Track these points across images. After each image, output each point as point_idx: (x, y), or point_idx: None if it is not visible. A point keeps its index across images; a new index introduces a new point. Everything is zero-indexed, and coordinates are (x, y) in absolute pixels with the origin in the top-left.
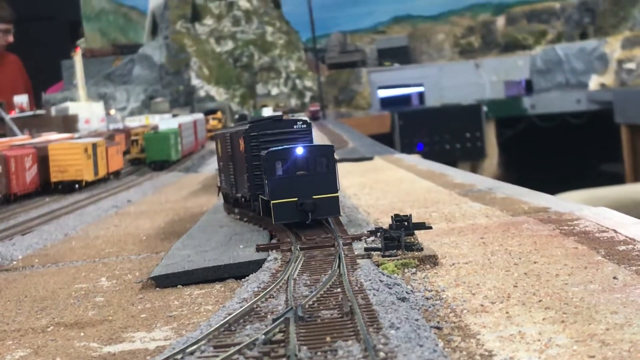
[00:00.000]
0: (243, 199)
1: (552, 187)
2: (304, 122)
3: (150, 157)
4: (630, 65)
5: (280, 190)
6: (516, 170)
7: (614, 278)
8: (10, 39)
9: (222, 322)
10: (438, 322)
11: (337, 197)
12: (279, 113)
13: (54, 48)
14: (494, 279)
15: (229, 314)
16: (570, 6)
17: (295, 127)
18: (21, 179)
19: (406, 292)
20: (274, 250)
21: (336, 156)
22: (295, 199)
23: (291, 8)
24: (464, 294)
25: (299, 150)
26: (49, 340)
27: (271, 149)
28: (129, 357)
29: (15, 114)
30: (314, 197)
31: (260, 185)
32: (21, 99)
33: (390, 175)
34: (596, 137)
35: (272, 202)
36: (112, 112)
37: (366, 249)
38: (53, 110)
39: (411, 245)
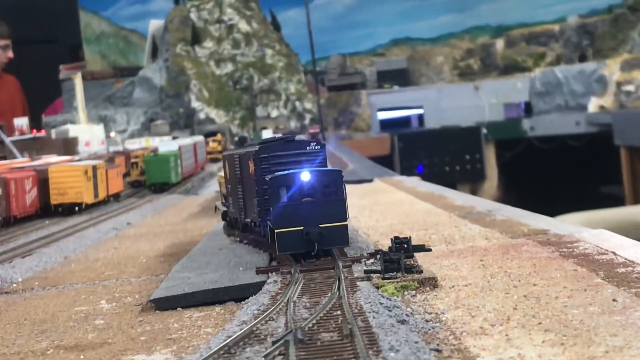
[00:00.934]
0: (253, 224)
1: (552, 209)
2: (318, 143)
3: (150, 180)
4: (630, 88)
5: (285, 218)
6: (516, 192)
7: (614, 300)
8: (10, 54)
9: (221, 345)
10: (438, 345)
11: (346, 225)
12: (290, 134)
13: (55, 71)
14: (493, 301)
15: (229, 337)
16: (569, 28)
17: (308, 148)
18: (21, 201)
19: (406, 315)
20: (274, 273)
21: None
22: (301, 227)
23: (291, 31)
24: (464, 316)
25: (305, 176)
26: None
27: (275, 174)
28: None
29: (15, 136)
30: (320, 225)
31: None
32: (21, 122)
33: (390, 197)
34: (595, 159)
35: (276, 231)
36: (112, 134)
37: (366, 272)
38: (53, 133)
39: (411, 267)
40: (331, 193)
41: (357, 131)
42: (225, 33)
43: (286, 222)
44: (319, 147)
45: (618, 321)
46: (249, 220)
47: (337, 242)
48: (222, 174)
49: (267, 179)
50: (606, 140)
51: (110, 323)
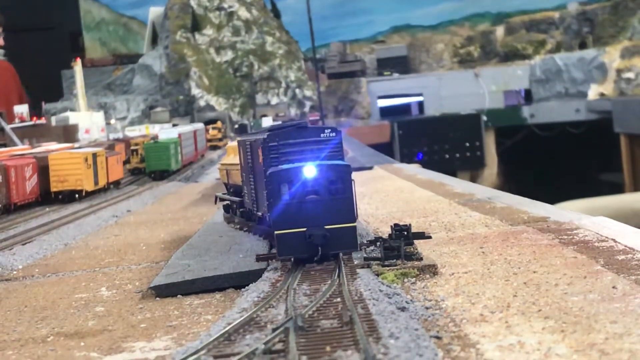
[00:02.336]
0: (265, 218)
1: (552, 196)
2: (333, 129)
3: (150, 167)
4: (630, 75)
5: (286, 218)
6: (515, 179)
7: (613, 287)
8: (1, 42)
9: (221, 332)
10: (437, 332)
11: (355, 227)
12: (302, 120)
13: (54, 58)
14: (493, 288)
15: (229, 324)
16: (569, 16)
17: (322, 135)
18: (21, 188)
19: (406, 302)
20: (274, 260)
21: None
22: (304, 229)
23: (291, 18)
24: (464, 303)
25: (309, 171)
26: (49, 350)
27: (275, 168)
28: None
29: (15, 123)
30: (326, 227)
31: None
32: (21, 109)
33: (390, 184)
34: (595, 146)
35: (275, 232)
36: (112, 121)
37: (366, 259)
38: (53, 120)
39: (411, 254)
40: (338, 190)
41: (357, 118)
42: (225, 20)
43: (287, 223)
44: (334, 134)
45: (618, 308)
46: (260, 213)
47: (344, 245)
48: (224, 161)
49: (267, 174)
50: (606, 127)
51: (110, 310)
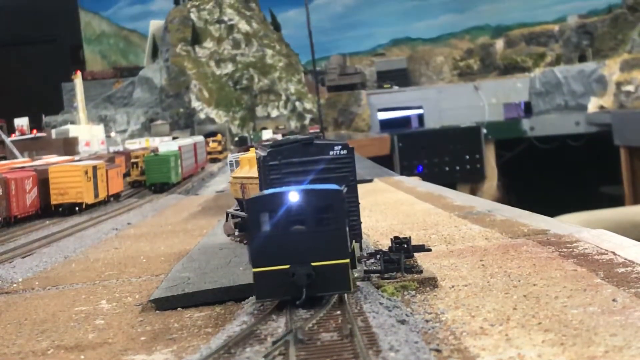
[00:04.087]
0: None
1: (551, 209)
2: (344, 146)
3: (150, 180)
4: (629, 88)
5: (266, 253)
6: (515, 192)
7: (613, 300)
8: None
9: (222, 345)
10: (437, 345)
11: (347, 265)
12: (309, 135)
13: (55, 71)
14: (493, 301)
15: (229, 337)
16: (569, 29)
17: (331, 153)
18: (21, 201)
19: (406, 315)
20: None
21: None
22: (287, 266)
23: (291, 31)
24: (464, 316)
25: (294, 196)
26: None
27: (257, 194)
28: None
29: (15, 136)
30: (312, 264)
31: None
32: (21, 122)
33: (390, 197)
34: (595, 159)
35: (253, 270)
36: (113, 134)
37: (366, 272)
38: (53, 133)
39: (410, 267)
40: (329, 220)
41: (357, 131)
42: (226, 33)
43: (267, 258)
44: (345, 151)
45: (618, 321)
46: None
47: (334, 286)
48: (237, 174)
49: (245, 201)
50: (606, 140)
51: (110, 323)
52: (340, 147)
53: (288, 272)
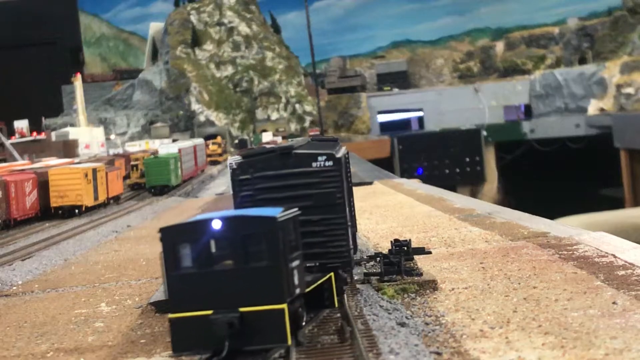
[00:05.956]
0: None
1: (552, 211)
2: (329, 156)
3: (150, 182)
4: (629, 90)
5: (185, 295)
6: (515, 194)
7: (614, 303)
8: None
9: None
10: (437, 348)
11: (283, 311)
12: (289, 143)
13: (55, 73)
14: (493, 304)
15: None
16: (569, 31)
17: (314, 165)
18: (21, 204)
19: (405, 317)
20: None
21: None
22: (209, 311)
23: (291, 33)
24: (464, 319)
25: (217, 225)
26: None
27: (173, 224)
28: None
29: (15, 138)
30: (240, 309)
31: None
32: (21, 124)
33: (390, 199)
34: (595, 161)
35: (169, 316)
36: (112, 137)
37: (366, 274)
38: (53, 136)
39: (410, 270)
40: (260, 255)
41: (357, 134)
42: (226, 35)
43: (187, 302)
44: (331, 162)
45: (618, 324)
46: None
47: (265, 338)
48: None
49: (159, 230)
50: (606, 142)
51: (110, 326)
52: (324, 157)
53: (212, 319)
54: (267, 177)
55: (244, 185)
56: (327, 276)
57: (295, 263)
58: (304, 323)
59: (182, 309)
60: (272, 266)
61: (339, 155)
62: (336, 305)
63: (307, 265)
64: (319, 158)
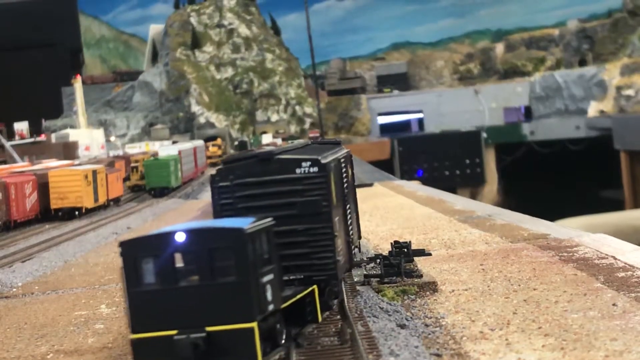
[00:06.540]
0: None
1: (552, 213)
2: (314, 162)
3: (150, 184)
4: (629, 92)
5: (148, 314)
6: (516, 196)
7: (614, 305)
8: None
9: None
10: (438, 349)
11: (253, 330)
12: (271, 148)
13: (55, 75)
14: (493, 305)
15: None
16: (569, 33)
17: (298, 171)
18: (21, 205)
19: (406, 319)
20: None
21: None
22: (174, 331)
23: (291, 35)
24: (464, 320)
25: (180, 237)
26: None
27: (132, 238)
28: None
29: (16, 140)
30: (207, 328)
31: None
32: (21, 126)
33: (390, 201)
34: (595, 163)
35: (131, 337)
36: (112, 138)
37: (366, 276)
38: (53, 137)
39: (411, 271)
40: (228, 270)
41: (357, 135)
42: (225, 37)
43: (150, 322)
44: (316, 169)
45: (618, 325)
46: None
47: (234, 359)
48: None
49: (119, 244)
50: (606, 144)
51: (110, 328)
52: (309, 163)
53: (176, 340)
54: (247, 184)
55: (223, 193)
56: (309, 290)
57: (268, 277)
58: (283, 340)
59: (144, 328)
60: (241, 282)
61: (325, 160)
62: (320, 320)
63: (290, 278)
64: (303, 164)
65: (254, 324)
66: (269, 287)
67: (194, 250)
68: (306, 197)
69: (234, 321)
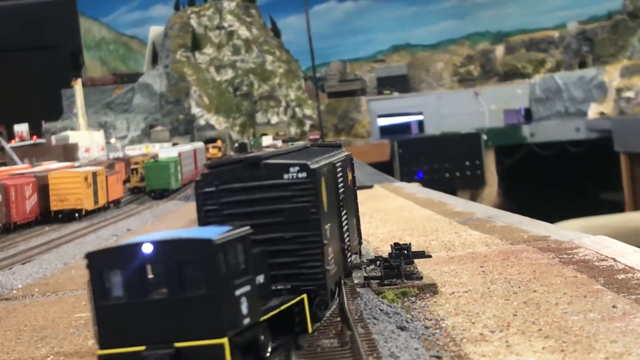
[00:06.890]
0: None
1: (552, 215)
2: (302, 167)
3: (150, 186)
4: (629, 94)
5: (115, 329)
6: (516, 198)
7: (614, 307)
8: None
9: None
10: (438, 352)
11: (223, 346)
12: (258, 153)
13: (55, 77)
14: (493, 307)
15: None
16: (569, 35)
17: (285, 177)
18: (21, 207)
19: (406, 321)
20: None
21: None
22: (142, 347)
23: (291, 37)
24: (464, 322)
25: (148, 249)
26: None
27: (97, 249)
28: None
29: (15, 142)
30: (176, 344)
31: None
32: (21, 128)
33: (390, 203)
34: (595, 165)
35: (98, 352)
36: (112, 140)
37: (366, 278)
38: (53, 139)
39: (411, 273)
40: (196, 282)
41: (357, 137)
42: (226, 39)
43: (117, 337)
44: (304, 174)
45: (618, 327)
46: None
47: None
48: None
49: (85, 256)
50: (606, 146)
51: None
52: (297, 168)
53: (140, 357)
54: (233, 190)
55: (208, 199)
56: (297, 299)
57: (244, 290)
58: (268, 353)
59: (111, 344)
60: (210, 295)
61: (314, 166)
62: (310, 331)
63: (278, 287)
64: (291, 169)
65: (224, 340)
66: (244, 300)
67: (162, 262)
68: (294, 203)
69: (203, 337)
